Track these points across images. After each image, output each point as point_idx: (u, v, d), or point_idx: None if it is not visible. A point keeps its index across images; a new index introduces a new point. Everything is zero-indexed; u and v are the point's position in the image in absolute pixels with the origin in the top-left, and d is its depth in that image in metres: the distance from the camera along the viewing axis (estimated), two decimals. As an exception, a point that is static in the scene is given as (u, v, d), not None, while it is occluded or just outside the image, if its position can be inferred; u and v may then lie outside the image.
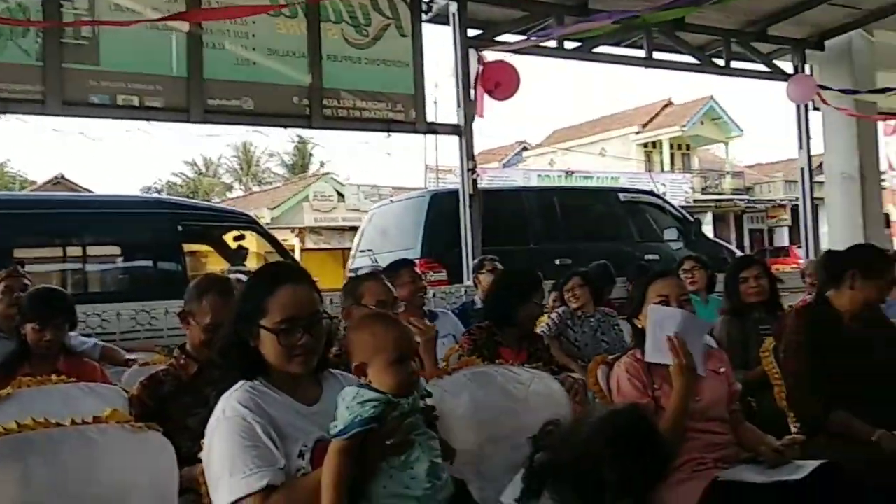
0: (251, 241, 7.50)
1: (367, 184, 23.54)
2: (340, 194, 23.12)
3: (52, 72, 5.10)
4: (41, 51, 5.07)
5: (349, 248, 20.26)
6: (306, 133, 29.63)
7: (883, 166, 8.28)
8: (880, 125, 7.81)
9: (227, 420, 1.65)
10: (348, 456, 1.55)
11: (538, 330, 3.96)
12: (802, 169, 7.46)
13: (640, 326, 2.45)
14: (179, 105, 5.48)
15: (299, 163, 35.13)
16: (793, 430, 2.67)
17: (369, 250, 8.04)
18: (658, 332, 2.30)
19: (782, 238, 28.25)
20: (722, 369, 2.47)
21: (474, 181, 6.06)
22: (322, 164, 34.00)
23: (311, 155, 35.27)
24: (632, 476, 1.82)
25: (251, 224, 7.21)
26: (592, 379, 2.52)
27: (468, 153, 6.13)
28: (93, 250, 6.44)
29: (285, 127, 6.25)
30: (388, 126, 6.08)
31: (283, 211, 22.53)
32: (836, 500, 2.01)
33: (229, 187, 35.90)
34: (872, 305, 2.70)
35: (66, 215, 6.10)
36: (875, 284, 2.66)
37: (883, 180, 6.94)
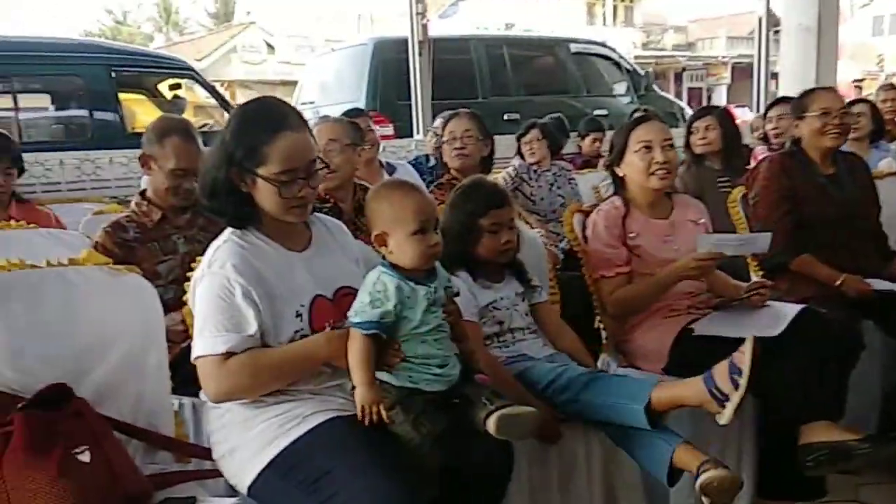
0: (187, 92, 7.11)
1: (299, 35, 22.33)
2: (270, 46, 21.93)
3: None
4: None
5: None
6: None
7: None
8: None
9: (211, 275, 1.62)
10: (369, 342, 1.58)
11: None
12: (760, 18, 7.37)
13: (620, 175, 2.46)
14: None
15: (222, 12, 32.94)
16: (754, 277, 2.80)
17: (311, 102, 7.74)
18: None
19: (720, 97, 28.61)
20: (702, 220, 2.53)
21: (424, 26, 5.79)
22: (248, 14, 31.98)
23: (235, 3, 33.05)
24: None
25: (188, 71, 6.79)
26: (568, 227, 2.55)
27: (417, -5, 5.81)
28: (25, 99, 6.00)
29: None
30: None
31: (209, 63, 21.18)
32: (813, 349, 2.08)
33: (150, 38, 33.61)
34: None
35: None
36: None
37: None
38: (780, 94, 6.10)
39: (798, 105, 2.86)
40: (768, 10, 7.22)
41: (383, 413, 1.56)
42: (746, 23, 20.29)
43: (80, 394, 1.62)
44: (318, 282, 1.71)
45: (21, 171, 2.95)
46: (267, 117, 1.67)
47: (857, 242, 2.76)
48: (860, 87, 18.48)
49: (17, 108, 5.88)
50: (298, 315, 1.65)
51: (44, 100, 6.26)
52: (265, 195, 1.65)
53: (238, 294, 1.59)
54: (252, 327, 1.59)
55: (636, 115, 4.54)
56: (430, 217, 1.67)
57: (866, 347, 2.31)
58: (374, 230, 1.68)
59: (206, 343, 1.60)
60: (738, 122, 4.09)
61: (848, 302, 2.53)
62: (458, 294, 1.80)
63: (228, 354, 1.58)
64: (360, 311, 1.60)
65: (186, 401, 2.04)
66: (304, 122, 1.71)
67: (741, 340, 1.79)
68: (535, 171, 4.25)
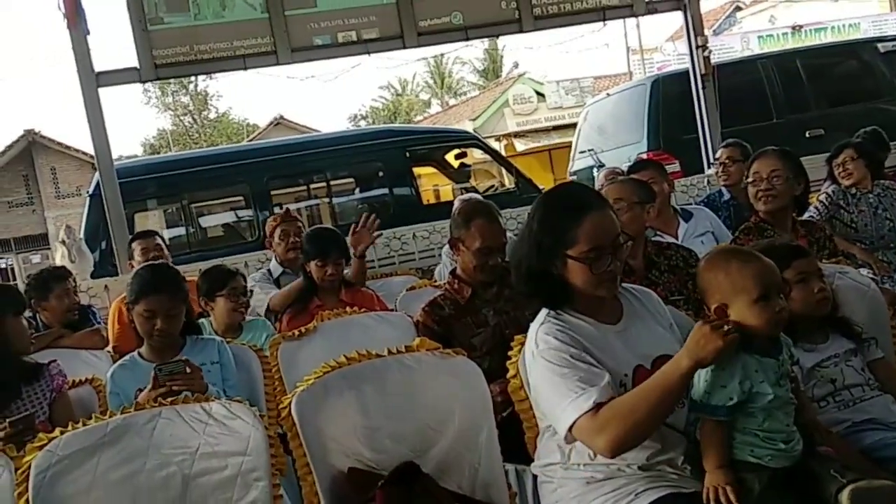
0: (469, 157, 7.61)
1: (566, 78, 22.74)
2: (540, 94, 22.57)
3: (277, 21, 5.39)
4: (264, 3, 5.37)
5: (555, 147, 19.97)
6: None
7: None
8: None
9: (542, 355, 1.68)
10: (720, 425, 1.56)
11: (805, 216, 3.60)
12: None
13: None
14: (394, 32, 5.56)
15: (491, 67, 34.89)
16: None
17: (590, 150, 7.80)
18: None
19: None
20: None
21: (706, 58, 5.54)
22: (516, 66, 33.43)
23: (501, 57, 34.85)
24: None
25: (472, 140, 7.30)
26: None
27: (695, 28, 5.59)
28: (335, 185, 6.93)
29: (497, 36, 6.13)
30: (603, 14, 5.69)
31: (484, 120, 22.56)
32: None
33: (427, 104, 36.73)
34: None
35: (311, 156, 6.58)
36: None
37: None
38: None
39: None
40: None
41: (729, 493, 1.49)
42: None
43: (424, 469, 1.78)
44: (635, 353, 1.71)
45: (348, 259, 3.34)
46: (570, 201, 1.75)
47: None
48: None
49: (330, 195, 6.79)
50: (622, 385, 1.65)
51: (350, 184, 7.11)
52: (577, 273, 1.70)
53: (574, 359, 1.63)
54: (604, 377, 1.61)
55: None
56: (773, 281, 1.60)
57: None
58: (711, 303, 1.63)
59: (568, 410, 1.59)
60: None
61: None
62: (797, 362, 1.67)
63: (597, 407, 1.58)
64: (707, 391, 1.56)
65: (510, 467, 2.11)
66: (605, 200, 1.78)
67: None
68: (853, 195, 3.80)
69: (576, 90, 21.52)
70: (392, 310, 3.08)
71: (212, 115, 32.92)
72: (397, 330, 2.58)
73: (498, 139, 21.90)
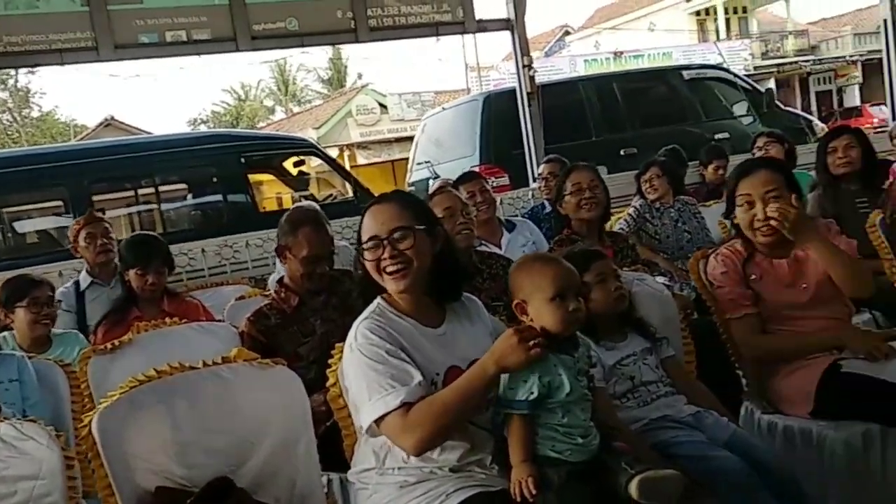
0: (307, 165, 7.51)
1: (409, 91, 23.13)
2: (383, 105, 22.79)
3: (98, 15, 5.06)
4: (84, -6, 5.02)
5: (398, 160, 20.20)
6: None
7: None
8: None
9: (358, 349, 1.71)
10: (523, 421, 1.64)
11: (616, 227, 3.91)
12: (885, 20, 6.89)
13: (735, 223, 2.38)
14: (226, 34, 5.40)
15: (335, 76, 34.73)
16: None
17: (427, 162, 7.98)
18: None
19: (853, 98, 26.71)
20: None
21: (531, 78, 5.86)
22: (360, 76, 33.48)
23: (345, 67, 34.79)
24: None
25: (310, 148, 7.22)
26: (695, 274, 2.48)
27: (522, 48, 5.89)
28: (165, 190, 6.58)
29: (332, 44, 6.19)
30: (437, 29, 5.88)
31: (328, 129, 22.39)
32: None
33: (271, 110, 35.91)
34: None
35: (138, 158, 6.20)
36: None
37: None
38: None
39: None
40: (893, 8, 6.70)
41: (530, 485, 1.57)
42: (873, 17, 18.96)
43: (239, 483, 1.74)
44: (452, 355, 1.77)
45: (171, 267, 3.20)
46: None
47: None
48: None
49: (159, 201, 6.44)
50: (434, 384, 1.70)
51: (182, 190, 6.78)
52: (366, 267, 1.79)
53: (388, 356, 1.67)
54: (416, 376, 1.65)
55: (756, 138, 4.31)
56: (569, 283, 1.71)
57: None
58: (514, 301, 1.73)
59: (376, 405, 1.63)
60: (875, 122, 3.84)
61: None
62: (595, 365, 1.81)
63: (406, 406, 1.62)
64: (511, 386, 1.64)
65: (334, 476, 2.12)
66: (391, 198, 1.87)
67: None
68: (657, 209, 4.16)
69: (417, 103, 21.94)
70: (220, 320, 2.97)
71: (34, 114, 30.12)
72: (221, 341, 2.48)
73: (341, 149, 21.79)
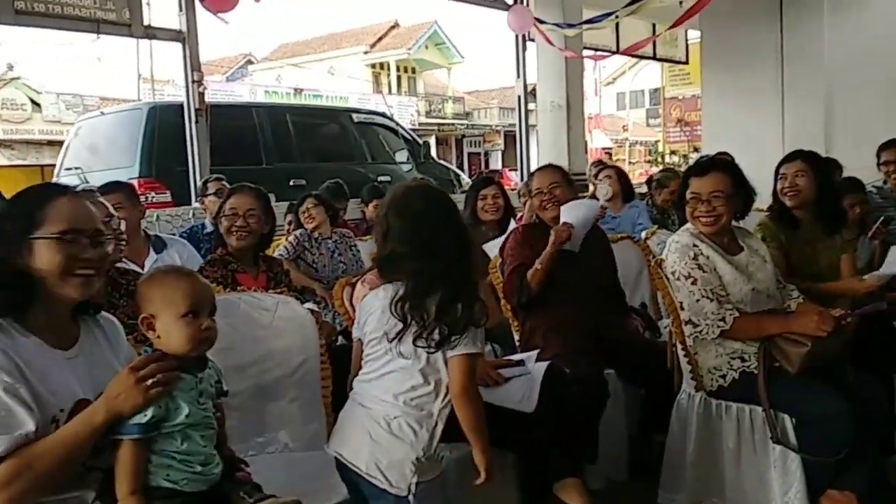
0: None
1: (69, 92, 20.72)
2: (35, 103, 20.09)
3: None
4: None
5: (50, 165, 17.92)
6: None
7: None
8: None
9: None
10: (134, 447, 1.49)
11: (276, 253, 3.93)
12: (519, 97, 8.12)
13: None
14: None
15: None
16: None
17: (77, 168, 7.18)
18: None
19: (497, 161, 30.80)
20: None
21: (201, 94, 5.65)
22: (11, 67, 29.03)
23: (-3, 55, 29.89)
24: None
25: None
26: (339, 301, 2.59)
27: (193, 63, 5.66)
28: None
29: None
30: (98, 27, 5.36)
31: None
32: (561, 408, 2.33)
33: None
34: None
35: None
36: None
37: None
38: (541, 161, 6.82)
39: (526, 185, 3.23)
40: (525, 90, 8.09)
41: None
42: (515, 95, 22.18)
43: None
44: (82, 385, 1.55)
45: None
46: (42, 188, 1.62)
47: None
48: (609, 155, 21.15)
49: None
50: (55, 421, 1.47)
51: None
52: (46, 259, 1.51)
53: (0, 391, 1.41)
54: (26, 425, 1.41)
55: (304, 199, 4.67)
56: (203, 299, 1.62)
57: (611, 396, 2.57)
58: (140, 314, 1.59)
59: None
60: (512, 184, 4.52)
61: (591, 355, 2.80)
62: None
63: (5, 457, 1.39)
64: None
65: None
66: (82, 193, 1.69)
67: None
68: (315, 240, 4.28)
69: (79, 106, 19.76)
70: None
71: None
72: None
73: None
